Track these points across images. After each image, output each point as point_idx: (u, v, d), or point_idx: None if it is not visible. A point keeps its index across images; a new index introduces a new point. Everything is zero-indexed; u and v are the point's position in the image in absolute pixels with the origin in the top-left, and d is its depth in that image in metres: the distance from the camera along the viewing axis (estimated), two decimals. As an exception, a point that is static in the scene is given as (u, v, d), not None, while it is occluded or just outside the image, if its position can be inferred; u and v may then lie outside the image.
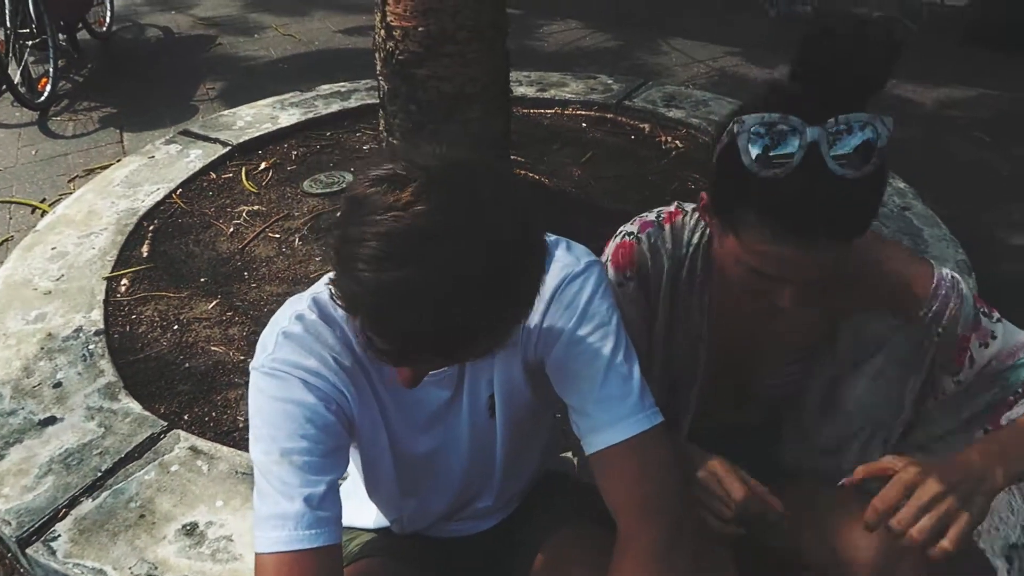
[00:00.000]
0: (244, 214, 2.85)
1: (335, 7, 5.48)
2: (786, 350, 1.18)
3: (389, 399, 1.02)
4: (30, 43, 4.01)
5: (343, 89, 3.73)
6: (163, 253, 2.66)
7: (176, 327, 2.33)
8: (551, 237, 0.95)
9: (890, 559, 1.04)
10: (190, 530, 1.65)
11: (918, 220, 2.62)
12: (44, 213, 3.08)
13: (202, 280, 2.53)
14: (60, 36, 4.43)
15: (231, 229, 2.77)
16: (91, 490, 1.75)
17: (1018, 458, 0.96)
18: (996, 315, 1.10)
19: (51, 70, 4.02)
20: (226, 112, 3.60)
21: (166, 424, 1.92)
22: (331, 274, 0.81)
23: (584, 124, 3.43)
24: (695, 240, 1.12)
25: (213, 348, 2.24)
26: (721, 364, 1.18)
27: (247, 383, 0.98)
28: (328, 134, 3.40)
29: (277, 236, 2.73)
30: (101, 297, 2.40)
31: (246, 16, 5.40)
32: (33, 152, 3.66)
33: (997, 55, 4.19)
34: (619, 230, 1.16)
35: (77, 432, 1.89)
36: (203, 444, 1.87)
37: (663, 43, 4.65)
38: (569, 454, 1.39)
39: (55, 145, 3.72)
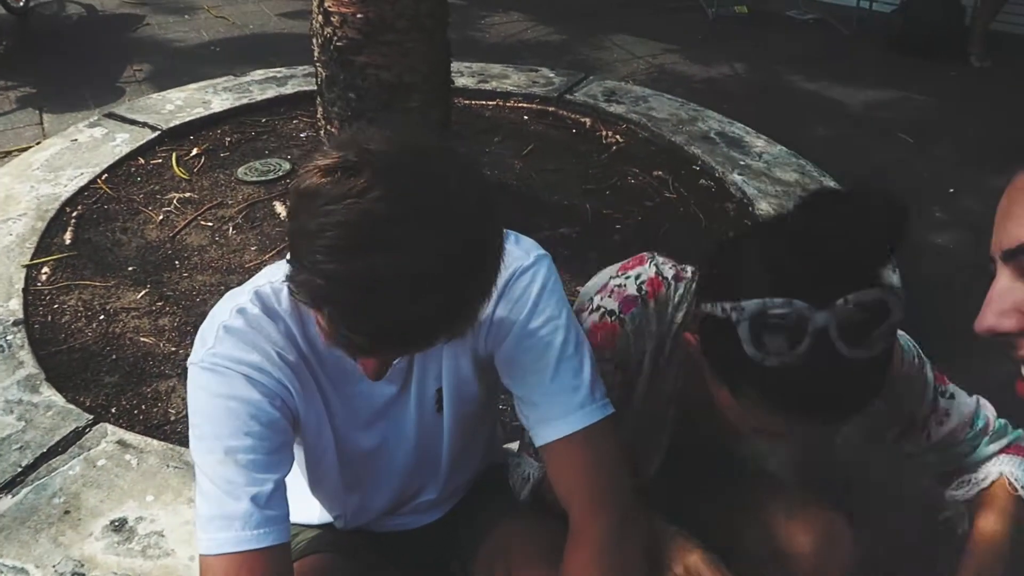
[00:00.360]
0: (175, 201, 2.76)
1: (271, -10, 5.33)
2: None
3: (334, 394, 1.00)
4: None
5: (279, 75, 3.64)
6: (87, 240, 2.55)
7: (102, 317, 2.24)
8: None
9: (825, 547, 1.07)
10: (118, 526, 1.59)
11: (846, 217, 2.72)
12: (-44, 197, 2.91)
13: (130, 269, 2.44)
14: (-27, 10, 4.19)
15: (161, 217, 2.68)
16: (10, 486, 1.67)
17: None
18: (949, 389, 1.13)
19: (-36, 46, 3.80)
20: (154, 95, 3.47)
21: (92, 417, 1.85)
22: (280, 265, 0.79)
23: (525, 117, 3.43)
24: (678, 319, 1.05)
25: (142, 339, 2.17)
26: (685, 423, 1.16)
27: (179, 375, 0.94)
28: (263, 120, 3.31)
29: (210, 224, 2.65)
30: (20, 286, 2.28)
31: (176, -4, 5.21)
32: (-56, 132, 3.46)
33: (920, 61, 4.37)
34: (594, 302, 1.06)
35: (-6, 427, 1.80)
36: (132, 437, 1.80)
37: (604, 38, 4.70)
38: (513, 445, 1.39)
39: (-32, 125, 3.52)
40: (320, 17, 2.41)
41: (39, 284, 2.34)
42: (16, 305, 2.20)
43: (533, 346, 0.97)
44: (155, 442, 1.80)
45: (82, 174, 2.84)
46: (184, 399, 1.77)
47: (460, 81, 3.48)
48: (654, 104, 3.50)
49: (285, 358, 0.93)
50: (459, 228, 0.74)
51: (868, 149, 3.50)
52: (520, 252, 0.99)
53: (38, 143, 3.16)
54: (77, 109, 3.63)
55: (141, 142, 3.05)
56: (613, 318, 1.04)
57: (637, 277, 1.06)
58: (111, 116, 3.25)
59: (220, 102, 3.36)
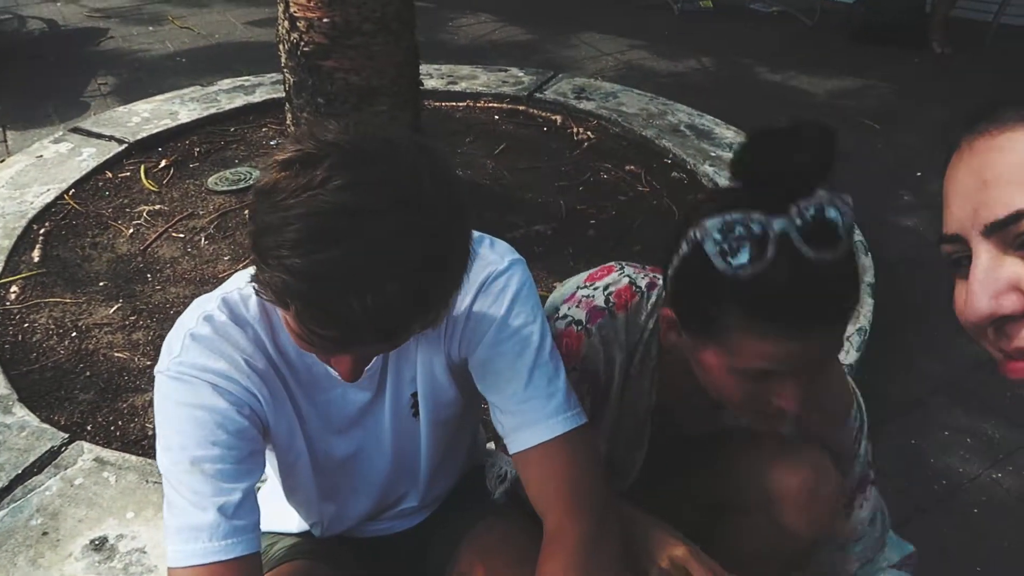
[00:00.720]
0: (145, 214, 2.72)
1: (235, -1, 5.29)
2: (720, 413, 1.18)
3: (306, 402, 0.99)
4: None
5: (246, 83, 3.61)
6: (56, 257, 2.52)
7: (74, 334, 2.21)
8: (474, 234, 0.92)
9: (813, 483, 1.07)
10: (99, 544, 1.57)
11: (816, 204, 2.75)
12: (-80, 218, 2.85)
13: (101, 284, 2.41)
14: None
15: (131, 230, 2.64)
16: (-15, 510, 1.64)
17: None
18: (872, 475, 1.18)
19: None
20: (120, 108, 3.42)
21: (67, 436, 1.82)
22: (249, 271, 0.77)
23: (496, 116, 3.43)
24: (651, 326, 1.05)
25: (116, 355, 2.14)
26: (659, 423, 1.16)
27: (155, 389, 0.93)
28: (232, 130, 3.28)
29: (181, 236, 2.62)
30: (-11, 305, 2.25)
31: (140, 8, 5.14)
32: (-96, 153, 3.39)
33: (883, 49, 4.44)
34: (560, 311, 1.06)
35: (-33, 449, 1.77)
36: (109, 454, 1.77)
37: (572, 37, 4.71)
38: (491, 445, 1.39)
39: (-71, 145, 3.46)
40: (286, 23, 2.39)
41: (8, 303, 2.30)
42: (-15, 325, 2.16)
43: (507, 351, 0.96)
44: (133, 458, 1.77)
45: (49, 190, 2.79)
46: (161, 413, 1.75)
47: (429, 83, 3.47)
48: (624, 100, 3.51)
49: (253, 365, 0.91)
50: (422, 212, 0.72)
51: (835, 136, 3.54)
52: (494, 256, 0.97)
53: (2, 160, 3.11)
54: (42, 125, 3.58)
55: (108, 155, 3.01)
56: (580, 328, 1.04)
57: (606, 288, 1.06)
58: (77, 131, 3.20)
59: (188, 113, 3.33)
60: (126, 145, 3.08)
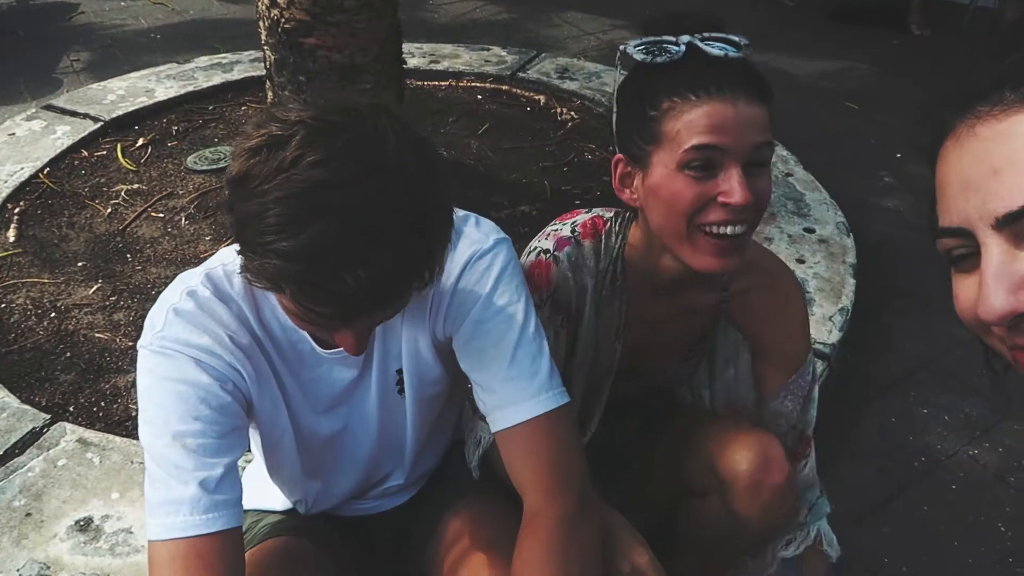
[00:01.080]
0: (123, 193, 2.68)
1: (210, -25, 5.18)
2: (681, 346, 1.23)
3: (291, 379, 0.99)
4: None
5: (224, 60, 3.55)
6: (33, 237, 2.47)
7: (53, 315, 2.17)
8: (459, 212, 0.93)
9: (761, 465, 1.11)
10: (84, 525, 1.55)
11: (800, 185, 2.77)
12: None
13: (80, 264, 2.37)
14: None
15: (109, 210, 2.60)
16: (-34, 492, 1.61)
17: None
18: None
19: None
20: (94, 85, 3.35)
21: (49, 417, 1.79)
22: (238, 259, 0.77)
23: (479, 96, 3.41)
24: (616, 245, 1.11)
25: (97, 335, 2.11)
26: (628, 360, 1.20)
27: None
28: (211, 108, 3.23)
29: (161, 215, 2.58)
30: (-36, 286, 2.20)
31: (111, -17, 5.02)
32: None
33: (862, 30, 4.46)
34: (531, 246, 1.12)
35: (-55, 432, 1.74)
36: (92, 435, 1.75)
37: (554, 16, 4.68)
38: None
39: None
40: (266, -1, 2.35)
41: (-16, 284, 2.26)
42: (-40, 306, 2.12)
43: (491, 330, 0.96)
44: (117, 439, 1.75)
45: (22, 169, 2.74)
46: (145, 393, 1.73)
47: (411, 62, 3.43)
48: (607, 80, 3.50)
49: (237, 341, 0.91)
50: (394, 174, 0.73)
51: (816, 118, 3.56)
52: (479, 235, 0.98)
53: (-27, 138, 3.03)
54: (13, 102, 3.50)
55: (83, 134, 2.95)
56: (547, 256, 1.09)
57: (573, 224, 1.12)
58: (50, 108, 3.13)
59: (164, 90, 3.27)
60: (102, 123, 3.02)
